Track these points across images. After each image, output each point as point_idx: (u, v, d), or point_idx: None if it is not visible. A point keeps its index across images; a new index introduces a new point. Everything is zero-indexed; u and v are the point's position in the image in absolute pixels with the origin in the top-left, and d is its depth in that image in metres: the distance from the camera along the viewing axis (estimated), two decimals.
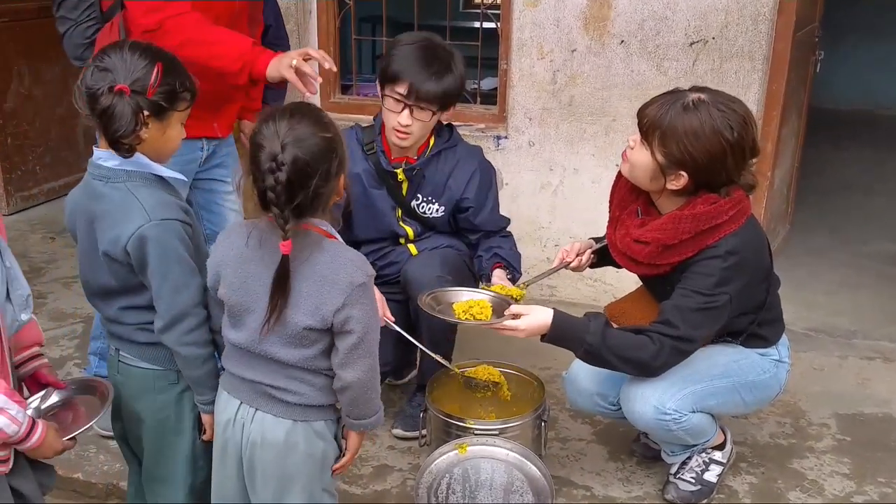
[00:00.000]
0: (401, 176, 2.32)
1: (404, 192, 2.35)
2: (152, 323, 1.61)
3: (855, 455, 2.38)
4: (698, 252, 1.90)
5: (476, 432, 2.05)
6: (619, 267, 2.12)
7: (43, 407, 1.60)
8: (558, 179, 3.23)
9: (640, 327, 1.94)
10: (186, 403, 1.69)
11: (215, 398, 1.64)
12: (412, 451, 2.36)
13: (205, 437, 1.70)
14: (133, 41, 1.57)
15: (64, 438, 1.49)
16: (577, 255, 2.20)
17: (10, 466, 1.44)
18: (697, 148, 1.83)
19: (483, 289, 2.15)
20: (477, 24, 3.44)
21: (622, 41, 3.00)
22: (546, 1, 3.03)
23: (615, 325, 2.01)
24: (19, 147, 4.28)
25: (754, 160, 1.93)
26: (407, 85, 2.14)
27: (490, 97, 3.43)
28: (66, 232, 3.89)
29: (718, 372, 2.03)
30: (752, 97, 2.91)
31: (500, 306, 2.00)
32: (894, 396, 2.68)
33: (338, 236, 1.54)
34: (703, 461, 2.16)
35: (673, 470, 2.18)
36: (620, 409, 2.09)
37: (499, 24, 3.20)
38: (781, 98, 2.99)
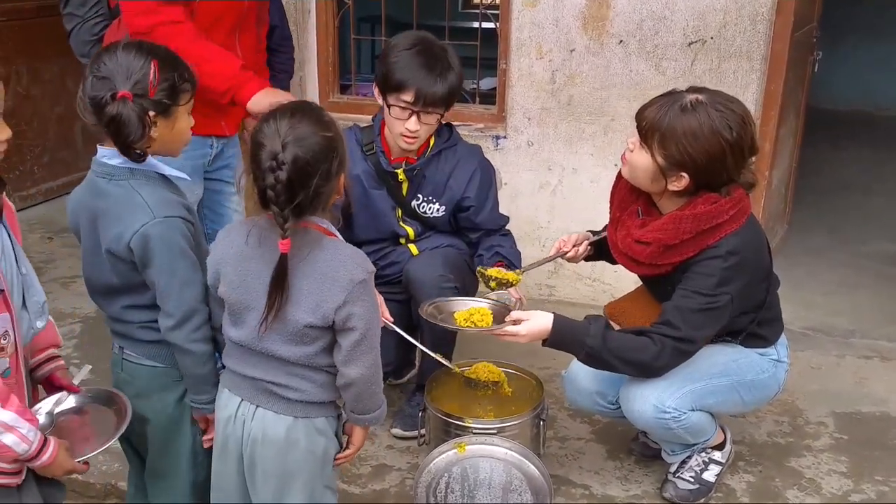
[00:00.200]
0: (401, 176, 2.33)
1: (404, 192, 2.36)
2: (156, 321, 1.62)
3: (852, 454, 2.40)
4: (699, 252, 1.91)
5: (475, 431, 2.06)
6: (614, 262, 2.13)
7: (56, 411, 1.59)
8: (557, 179, 3.24)
9: (640, 328, 1.95)
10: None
11: (214, 398, 1.65)
12: (411, 451, 2.37)
13: (205, 438, 1.71)
14: (125, 42, 1.57)
15: (77, 460, 1.48)
16: (574, 246, 2.21)
17: (22, 479, 1.44)
18: (697, 149, 1.84)
19: (480, 271, 2.18)
20: (476, 24, 3.46)
21: (621, 41, 3.01)
22: (545, 1, 3.04)
23: (615, 325, 2.02)
24: (17, 147, 4.27)
25: (753, 158, 1.95)
26: (413, 92, 2.14)
27: (489, 97, 3.44)
28: (63, 232, 3.93)
29: (718, 371, 2.04)
30: (750, 97, 2.92)
31: (501, 313, 2.02)
32: (892, 395, 2.70)
33: (338, 234, 1.55)
34: (703, 461, 2.17)
35: (672, 469, 2.19)
36: (620, 408, 2.11)
37: (498, 23, 3.21)
38: (779, 98, 3.00)
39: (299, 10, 3.37)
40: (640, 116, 1.91)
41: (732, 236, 1.90)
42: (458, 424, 2.09)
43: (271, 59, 2.65)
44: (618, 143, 3.05)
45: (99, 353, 2.29)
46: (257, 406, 1.56)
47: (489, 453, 2.02)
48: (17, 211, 1.58)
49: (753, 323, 2.05)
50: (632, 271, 2.08)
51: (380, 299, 2.06)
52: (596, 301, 3.14)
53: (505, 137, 3.25)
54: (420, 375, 2.50)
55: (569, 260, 2.24)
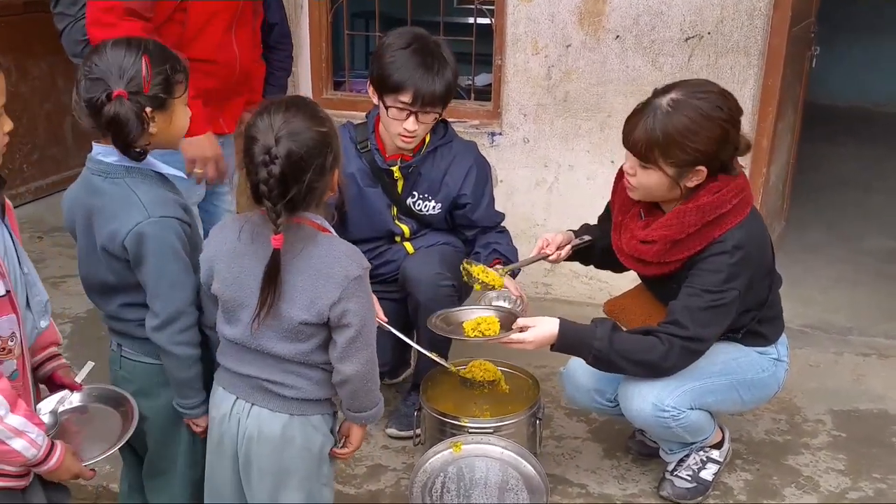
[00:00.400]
0: (397, 174, 2.34)
1: (400, 189, 2.37)
2: None
3: (850, 451, 2.41)
4: (705, 247, 1.91)
5: (471, 431, 2.07)
6: (599, 266, 2.12)
7: (60, 410, 1.58)
8: (553, 176, 3.25)
9: (647, 328, 1.96)
10: None
11: (199, 402, 1.66)
12: (406, 451, 2.38)
13: (197, 431, 1.71)
14: (114, 40, 1.57)
15: (83, 464, 1.48)
16: (557, 249, 2.22)
17: (30, 481, 1.43)
18: (701, 141, 1.85)
19: (464, 266, 2.18)
20: (471, 20, 3.46)
21: (617, 36, 3.02)
22: None
23: (617, 323, 2.02)
24: (6, 144, 4.26)
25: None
26: (411, 93, 2.14)
27: (484, 93, 3.45)
28: (54, 231, 3.92)
29: (717, 369, 2.05)
30: (747, 92, 2.94)
31: (508, 320, 2.04)
32: (890, 392, 2.72)
33: (332, 230, 1.55)
34: (701, 459, 2.18)
35: (670, 467, 2.20)
36: (618, 405, 2.12)
37: (493, 19, 3.22)
38: (777, 93, 3.01)
39: (291, 6, 3.36)
40: (630, 142, 1.90)
41: (737, 229, 1.91)
42: (453, 424, 2.10)
43: (269, 56, 2.65)
44: (614, 140, 3.05)
45: (90, 353, 2.26)
46: (252, 404, 1.57)
47: (485, 452, 2.02)
48: None
49: (754, 321, 2.06)
50: (639, 272, 2.09)
51: (373, 299, 2.07)
52: (593, 299, 3.15)
53: (500, 134, 3.25)
54: (416, 375, 2.50)
55: (550, 262, 2.25)
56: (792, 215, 4.10)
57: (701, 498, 2.18)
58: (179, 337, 1.60)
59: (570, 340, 1.93)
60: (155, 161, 1.61)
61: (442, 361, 2.22)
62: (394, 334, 2.18)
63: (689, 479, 2.17)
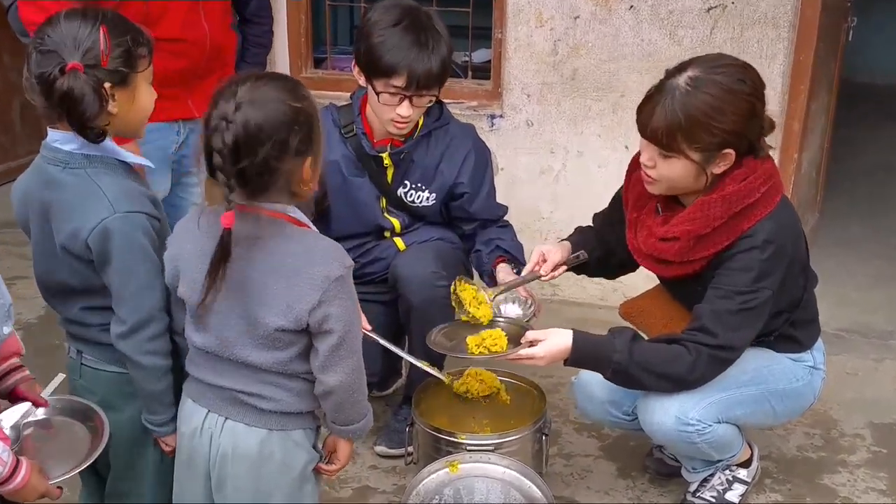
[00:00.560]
0: (386, 161, 2.33)
1: (390, 178, 2.36)
2: None
3: (892, 469, 2.42)
4: (733, 242, 1.91)
5: (469, 448, 2.07)
6: (589, 275, 2.14)
7: (23, 423, 1.56)
8: (560, 163, 3.25)
9: (671, 336, 1.96)
10: None
11: (169, 418, 1.65)
12: (397, 471, 2.38)
13: (166, 450, 1.71)
14: (68, 10, 1.56)
15: (51, 482, 1.46)
16: (552, 270, 2.20)
17: None
18: (727, 118, 1.84)
19: (452, 290, 2.16)
20: None
21: (631, 6, 3.02)
22: None
23: (633, 327, 2.02)
24: None
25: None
26: (405, 76, 2.13)
27: (483, 71, 3.45)
28: (2, 227, 3.88)
29: (747, 379, 2.05)
30: (776, 69, 2.94)
31: (516, 333, 2.04)
32: None
33: (311, 225, 1.55)
34: (727, 479, 2.19)
35: (692, 488, 2.21)
36: (636, 419, 2.12)
37: None
38: (810, 70, 3.02)
39: None
40: (648, 130, 1.89)
41: (767, 220, 1.91)
42: (449, 440, 2.10)
43: (245, 30, 2.66)
44: (628, 122, 3.03)
45: (42, 362, 2.26)
46: (226, 418, 1.56)
47: (485, 472, 2.02)
48: None
49: (787, 324, 2.06)
50: (660, 274, 2.09)
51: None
52: (605, 301, 3.16)
53: (501, 116, 3.26)
54: (407, 386, 2.50)
55: (543, 280, 2.23)
56: (826, 206, 4.12)
57: None
58: (148, 346, 1.60)
59: (585, 354, 1.93)
60: (117, 148, 1.60)
61: (436, 372, 2.22)
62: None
63: (714, 500, 2.18)
